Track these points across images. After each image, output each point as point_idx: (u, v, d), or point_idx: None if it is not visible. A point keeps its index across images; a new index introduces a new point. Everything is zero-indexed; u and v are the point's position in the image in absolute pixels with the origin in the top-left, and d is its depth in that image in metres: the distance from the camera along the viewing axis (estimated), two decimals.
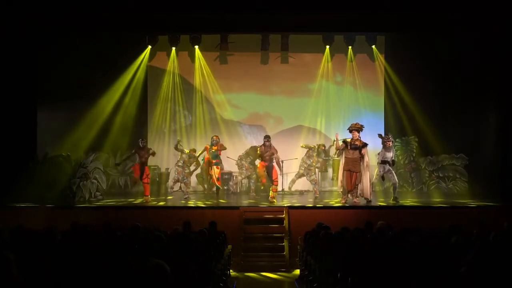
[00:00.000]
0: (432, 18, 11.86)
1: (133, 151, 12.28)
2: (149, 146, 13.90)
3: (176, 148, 12.68)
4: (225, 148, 12.66)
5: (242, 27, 12.93)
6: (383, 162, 11.54)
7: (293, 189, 13.38)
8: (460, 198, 12.61)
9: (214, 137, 12.53)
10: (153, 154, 12.42)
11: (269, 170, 11.81)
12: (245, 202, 11.86)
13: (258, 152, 12.08)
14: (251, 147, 13.69)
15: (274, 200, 11.48)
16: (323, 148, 13.42)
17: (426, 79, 13.72)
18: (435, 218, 10.00)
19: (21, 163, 11.81)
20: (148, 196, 11.95)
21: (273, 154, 11.87)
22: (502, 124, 12.61)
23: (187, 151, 12.78)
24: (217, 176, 12.13)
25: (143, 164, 11.97)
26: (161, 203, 11.88)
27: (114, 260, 4.80)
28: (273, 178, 11.73)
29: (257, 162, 12.71)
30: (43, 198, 11.49)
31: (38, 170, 11.97)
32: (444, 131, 13.41)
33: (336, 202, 11.47)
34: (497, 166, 12.45)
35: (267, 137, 12.04)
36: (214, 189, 14.01)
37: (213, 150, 12.22)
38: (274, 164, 11.92)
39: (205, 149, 12.44)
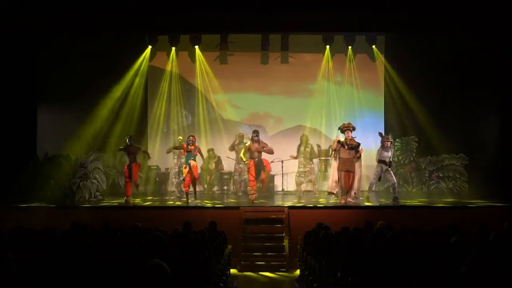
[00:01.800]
0: (432, 18, 11.86)
1: (121, 148, 11.98)
2: (149, 146, 13.92)
3: (175, 148, 12.61)
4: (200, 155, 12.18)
5: (242, 27, 12.93)
6: (380, 161, 11.54)
7: (292, 189, 13.43)
8: (460, 198, 12.61)
9: (191, 137, 11.85)
10: (145, 152, 12.25)
11: (258, 166, 11.58)
12: (245, 202, 11.85)
13: (247, 146, 11.79)
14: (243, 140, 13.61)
15: (254, 196, 11.42)
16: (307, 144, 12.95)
17: (426, 79, 13.71)
18: (435, 218, 10.00)
19: (21, 163, 11.80)
20: (129, 196, 11.65)
21: (263, 147, 11.59)
22: (502, 124, 12.62)
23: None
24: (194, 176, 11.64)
25: (132, 163, 11.73)
26: (161, 203, 11.86)
27: (114, 260, 4.81)
28: (262, 177, 11.55)
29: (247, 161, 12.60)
30: (43, 198, 11.49)
31: (38, 170, 11.97)
32: (444, 131, 13.40)
33: (336, 202, 11.47)
34: (497, 166, 12.45)
35: (255, 132, 11.79)
36: (215, 188, 13.99)
37: (190, 149, 11.65)
38: (263, 158, 11.68)
39: (182, 147, 11.83)
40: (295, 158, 12.86)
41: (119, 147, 12.23)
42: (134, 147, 11.99)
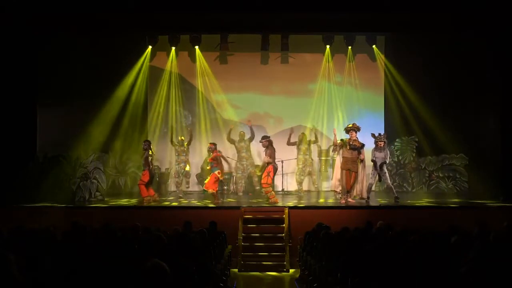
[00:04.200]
0: (432, 18, 11.86)
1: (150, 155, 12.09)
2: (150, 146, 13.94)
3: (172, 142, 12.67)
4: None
5: (242, 27, 12.94)
6: (372, 161, 11.55)
7: (292, 188, 13.42)
8: (460, 198, 12.61)
9: (210, 144, 12.03)
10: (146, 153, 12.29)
11: (262, 170, 11.61)
12: (245, 202, 11.84)
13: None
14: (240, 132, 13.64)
15: (273, 199, 11.32)
16: (302, 135, 13.09)
17: (426, 79, 13.69)
18: (435, 218, 9.99)
19: (21, 163, 11.80)
20: (146, 196, 11.74)
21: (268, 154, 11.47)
22: (502, 124, 12.61)
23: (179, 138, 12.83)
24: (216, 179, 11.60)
25: (145, 169, 11.89)
26: (161, 203, 11.87)
27: (114, 260, 4.81)
28: (261, 181, 11.44)
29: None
30: (43, 198, 11.49)
31: (38, 170, 11.97)
32: (444, 131, 13.39)
33: (336, 202, 11.47)
34: (497, 166, 12.45)
35: (265, 138, 11.70)
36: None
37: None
38: (268, 166, 11.49)
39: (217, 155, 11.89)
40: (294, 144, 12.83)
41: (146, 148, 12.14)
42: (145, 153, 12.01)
